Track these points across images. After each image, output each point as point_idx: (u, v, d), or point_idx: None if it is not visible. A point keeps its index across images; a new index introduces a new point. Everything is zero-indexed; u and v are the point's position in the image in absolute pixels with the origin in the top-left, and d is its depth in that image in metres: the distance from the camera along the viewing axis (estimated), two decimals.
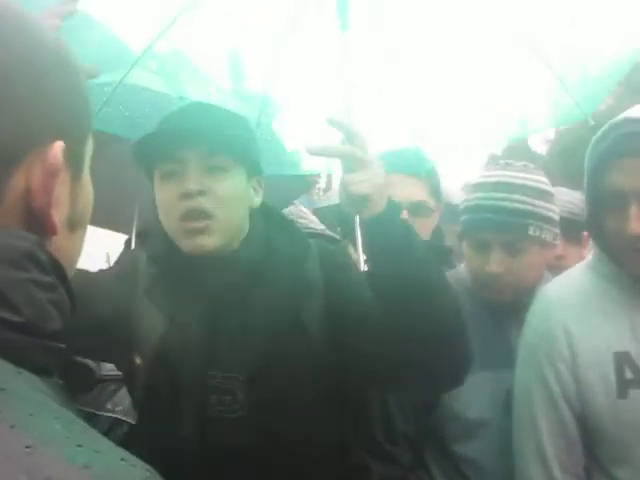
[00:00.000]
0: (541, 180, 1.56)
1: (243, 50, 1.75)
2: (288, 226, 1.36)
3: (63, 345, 0.55)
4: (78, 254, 0.61)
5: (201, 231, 1.18)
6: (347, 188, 1.09)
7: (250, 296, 1.23)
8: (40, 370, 0.50)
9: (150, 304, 1.28)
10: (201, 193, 1.17)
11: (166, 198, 1.21)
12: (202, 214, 1.18)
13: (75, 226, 0.59)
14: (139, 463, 0.45)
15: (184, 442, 1.20)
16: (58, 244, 0.55)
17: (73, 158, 0.56)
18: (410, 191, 1.75)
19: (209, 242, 1.19)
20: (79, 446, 0.43)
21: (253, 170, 1.27)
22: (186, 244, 1.20)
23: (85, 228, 0.62)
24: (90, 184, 0.62)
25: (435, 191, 1.82)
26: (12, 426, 0.41)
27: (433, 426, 1.57)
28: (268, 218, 1.34)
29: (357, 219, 1.16)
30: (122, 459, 0.44)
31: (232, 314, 1.23)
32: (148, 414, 1.29)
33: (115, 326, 1.26)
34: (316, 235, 1.87)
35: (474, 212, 1.55)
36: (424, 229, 1.78)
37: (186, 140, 1.19)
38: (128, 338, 1.27)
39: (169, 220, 1.22)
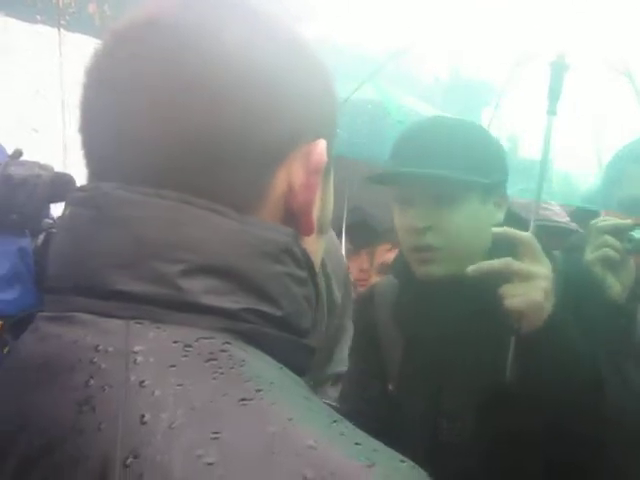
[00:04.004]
0: None
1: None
2: None
3: (315, 344, 0.53)
4: (320, 259, 0.60)
5: (428, 261, 1.17)
6: (503, 300, 1.05)
7: (482, 322, 1.16)
8: (294, 368, 0.49)
9: (392, 327, 1.29)
10: (427, 229, 1.16)
11: (398, 226, 1.23)
12: (429, 248, 1.17)
13: (322, 229, 0.58)
14: (418, 466, 0.42)
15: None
16: (306, 247, 0.54)
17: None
18: None
19: (437, 271, 1.18)
20: (357, 444, 0.41)
21: (493, 187, 1.20)
22: (416, 271, 1.21)
23: (327, 234, 0.61)
24: (332, 190, 0.60)
25: None
26: (290, 419, 0.41)
27: None
28: None
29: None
30: (401, 460, 0.42)
31: (465, 339, 1.18)
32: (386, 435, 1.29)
33: (370, 359, 1.31)
34: (561, 229, 1.74)
35: None
36: None
37: (413, 174, 1.18)
38: (380, 368, 1.30)
39: (402, 247, 1.24)
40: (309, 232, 0.53)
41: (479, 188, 1.18)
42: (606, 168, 1.68)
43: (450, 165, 1.15)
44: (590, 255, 1.28)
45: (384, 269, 1.99)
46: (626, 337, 1.22)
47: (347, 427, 0.44)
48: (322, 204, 0.56)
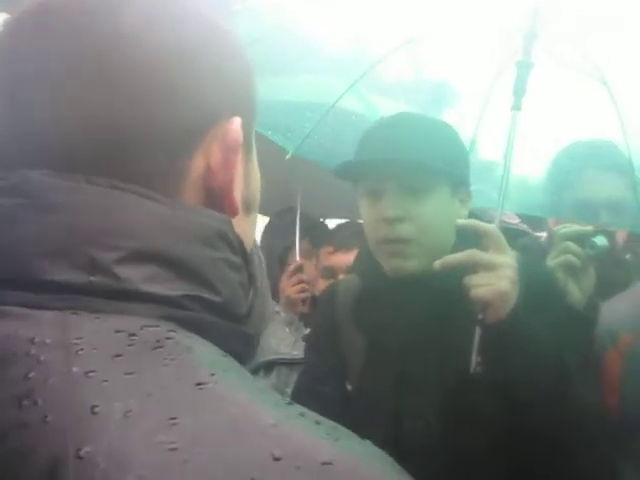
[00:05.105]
0: None
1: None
2: None
3: (252, 332, 0.53)
4: (252, 239, 0.60)
5: (399, 254, 1.17)
6: (468, 290, 1.06)
7: (449, 323, 1.16)
8: (234, 356, 0.48)
9: (353, 326, 1.28)
10: (399, 219, 1.16)
11: (366, 219, 1.22)
12: (400, 240, 1.16)
13: (249, 208, 0.58)
14: (376, 447, 0.43)
15: None
16: (236, 227, 0.53)
17: (245, 137, 0.55)
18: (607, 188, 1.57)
19: (407, 265, 1.17)
20: (317, 423, 0.42)
21: (459, 182, 1.21)
22: (385, 265, 1.20)
23: (256, 212, 0.61)
24: (257, 167, 0.60)
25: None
26: (250, 400, 0.41)
27: None
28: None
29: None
30: (360, 440, 0.43)
31: (428, 338, 1.18)
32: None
33: (327, 355, 1.31)
34: (512, 231, 1.76)
35: None
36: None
37: (384, 163, 1.18)
38: (338, 365, 1.30)
39: (370, 241, 1.23)
40: (234, 212, 0.53)
41: (448, 181, 1.19)
42: (556, 173, 1.69)
43: (419, 157, 1.15)
44: (552, 261, 1.30)
45: (328, 272, 1.98)
46: (585, 343, 1.24)
47: (304, 409, 0.44)
48: (246, 183, 0.56)
